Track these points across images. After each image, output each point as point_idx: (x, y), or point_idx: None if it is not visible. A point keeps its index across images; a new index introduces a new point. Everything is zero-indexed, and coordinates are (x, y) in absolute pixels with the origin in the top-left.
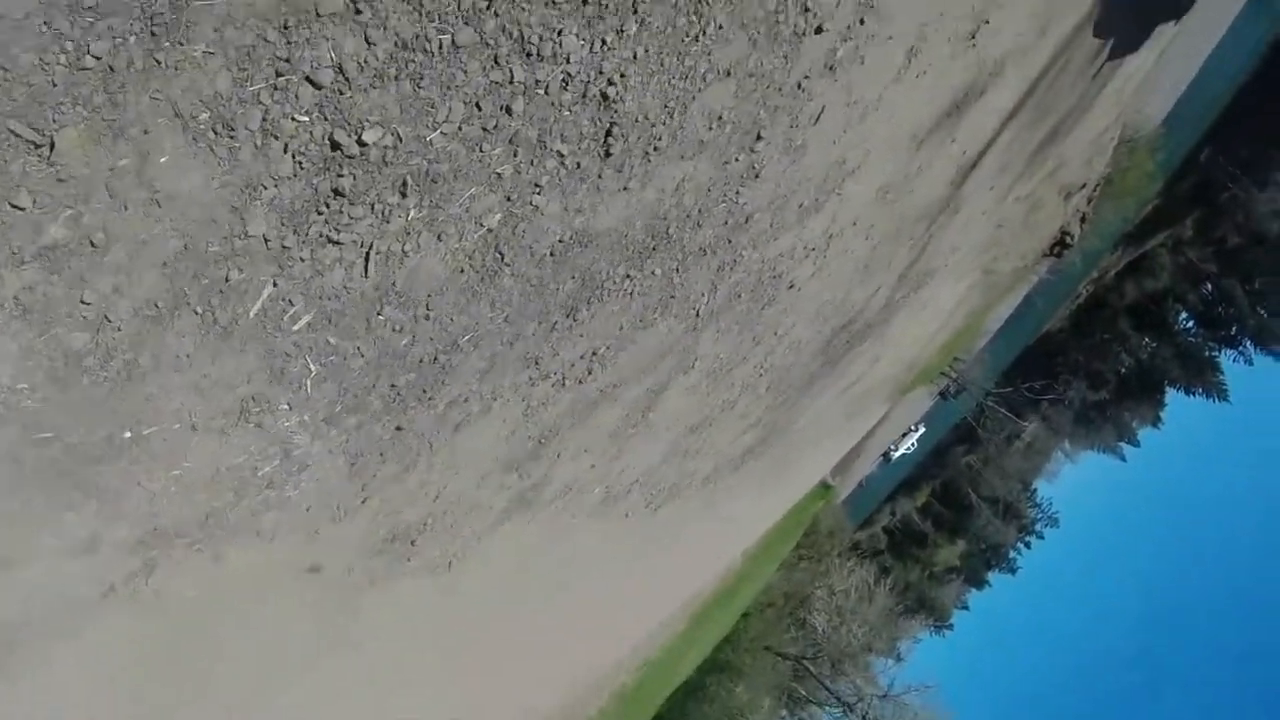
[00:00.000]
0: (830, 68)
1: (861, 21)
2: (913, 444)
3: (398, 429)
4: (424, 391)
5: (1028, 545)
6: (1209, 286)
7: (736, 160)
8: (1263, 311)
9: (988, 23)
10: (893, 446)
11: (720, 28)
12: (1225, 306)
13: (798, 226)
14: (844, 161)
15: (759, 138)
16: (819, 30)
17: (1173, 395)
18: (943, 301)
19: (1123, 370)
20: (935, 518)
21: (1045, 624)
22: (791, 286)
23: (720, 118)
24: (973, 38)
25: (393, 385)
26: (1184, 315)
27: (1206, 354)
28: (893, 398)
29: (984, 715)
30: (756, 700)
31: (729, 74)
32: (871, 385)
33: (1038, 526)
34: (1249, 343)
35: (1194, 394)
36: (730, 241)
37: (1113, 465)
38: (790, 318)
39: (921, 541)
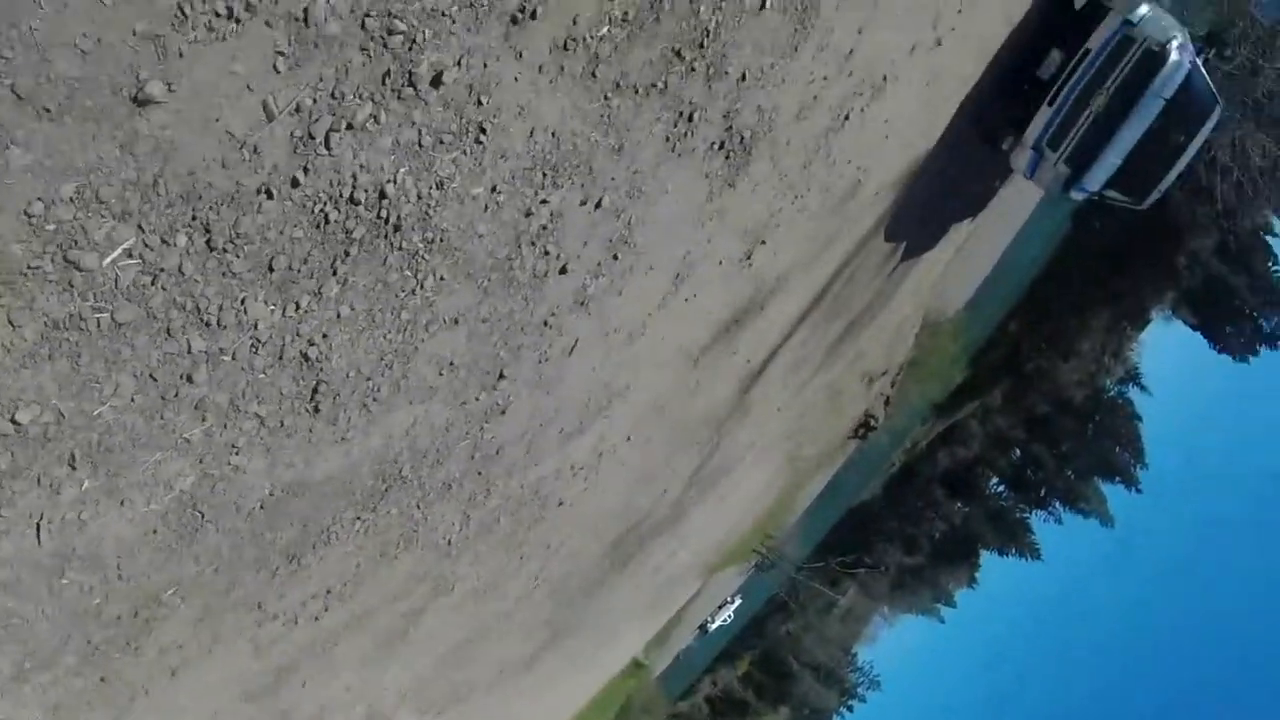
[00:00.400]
0: (582, 303)
1: (615, 257)
2: (729, 615)
3: (102, 679)
4: (128, 644)
5: (850, 709)
6: (1018, 452)
7: (477, 400)
8: (1070, 474)
9: (764, 243)
10: (710, 619)
11: (442, 279)
12: (1034, 470)
13: (560, 451)
14: (608, 385)
15: (501, 376)
16: (564, 270)
17: (987, 556)
18: (745, 490)
19: (937, 535)
20: (757, 686)
21: None
22: (561, 504)
23: (452, 363)
24: (748, 258)
25: (89, 641)
26: (995, 480)
27: (1018, 516)
28: (703, 577)
29: None
30: None
31: (457, 322)
32: (675, 573)
33: (859, 690)
34: (1058, 503)
35: (1007, 554)
36: (480, 474)
37: (931, 626)
38: (563, 532)
39: (744, 710)
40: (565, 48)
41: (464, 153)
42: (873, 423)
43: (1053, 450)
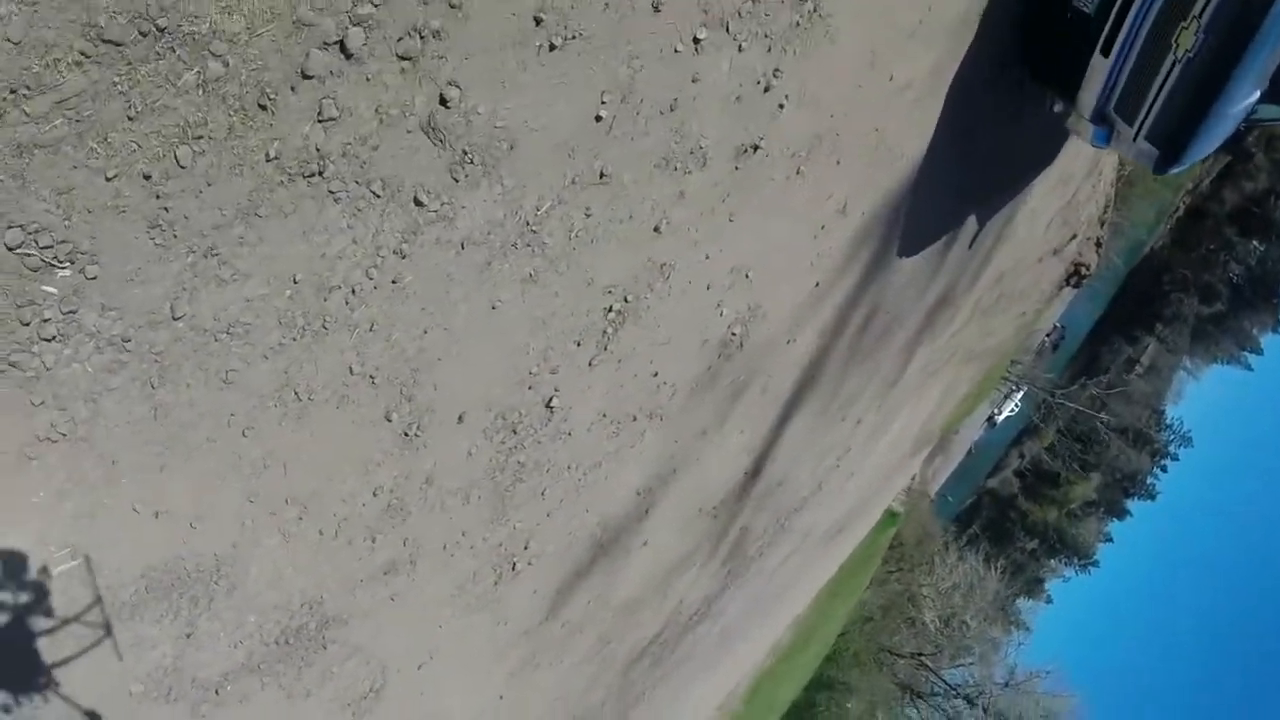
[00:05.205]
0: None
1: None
2: (1016, 404)
3: None
4: None
5: (1164, 469)
6: None
7: None
8: None
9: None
10: (996, 412)
11: None
12: None
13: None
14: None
15: None
16: None
17: None
18: (901, 423)
19: (1234, 278)
20: (1065, 456)
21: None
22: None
23: None
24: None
25: None
26: None
27: None
28: (921, 449)
29: (1112, 685)
30: (868, 715)
31: None
32: (856, 499)
33: (1171, 449)
34: None
35: None
36: None
37: (1239, 375)
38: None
39: (1054, 481)
40: None
41: None
42: (1084, 270)
43: None
